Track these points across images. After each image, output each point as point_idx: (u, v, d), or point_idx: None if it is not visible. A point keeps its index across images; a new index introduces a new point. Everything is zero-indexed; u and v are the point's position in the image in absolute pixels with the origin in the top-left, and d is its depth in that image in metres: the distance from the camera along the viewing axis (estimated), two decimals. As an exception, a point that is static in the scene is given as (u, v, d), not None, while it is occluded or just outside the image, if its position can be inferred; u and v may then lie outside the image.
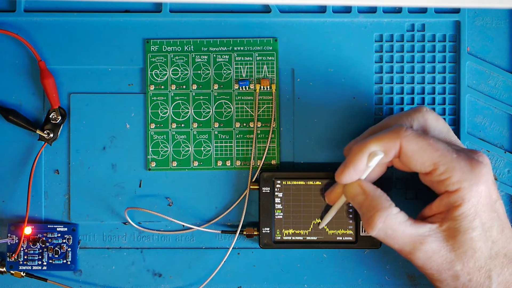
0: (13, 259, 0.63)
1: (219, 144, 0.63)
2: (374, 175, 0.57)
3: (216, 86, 0.63)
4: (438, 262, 0.54)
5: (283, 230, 0.62)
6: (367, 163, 0.54)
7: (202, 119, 0.63)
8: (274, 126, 0.63)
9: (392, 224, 0.54)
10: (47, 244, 0.63)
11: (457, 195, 0.53)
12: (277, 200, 0.62)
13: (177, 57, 0.63)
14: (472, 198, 0.52)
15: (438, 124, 0.56)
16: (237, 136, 0.63)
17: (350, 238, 0.62)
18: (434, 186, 0.54)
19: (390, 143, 0.53)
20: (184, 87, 0.63)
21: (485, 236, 0.53)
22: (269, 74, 0.63)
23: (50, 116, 0.63)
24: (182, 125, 0.63)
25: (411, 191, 0.63)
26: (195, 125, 0.63)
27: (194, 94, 0.63)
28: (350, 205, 0.62)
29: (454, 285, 0.54)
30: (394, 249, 0.55)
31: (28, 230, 0.62)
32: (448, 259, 0.54)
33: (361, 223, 0.62)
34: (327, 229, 0.62)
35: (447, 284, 0.55)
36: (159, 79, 0.63)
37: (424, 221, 0.55)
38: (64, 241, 0.63)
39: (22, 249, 0.63)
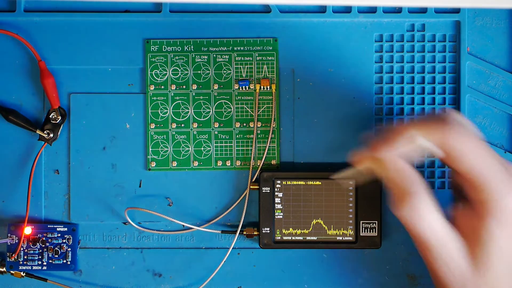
0: (13, 259, 0.63)
1: (219, 144, 0.63)
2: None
3: (216, 86, 0.63)
4: (450, 268, 0.51)
5: (283, 230, 0.62)
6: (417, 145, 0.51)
7: (202, 119, 0.63)
8: (274, 126, 0.63)
9: (422, 211, 0.50)
10: (47, 244, 0.63)
11: (485, 205, 0.50)
12: (277, 200, 0.62)
13: (177, 57, 0.63)
14: (499, 212, 0.50)
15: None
16: (237, 136, 0.63)
17: (350, 238, 0.62)
18: (467, 190, 0.52)
19: (436, 135, 0.51)
20: (184, 87, 0.63)
21: (505, 255, 0.51)
22: (269, 74, 0.63)
23: (50, 116, 0.63)
24: (182, 125, 0.63)
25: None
26: (195, 125, 0.63)
27: (194, 94, 0.63)
28: (351, 205, 0.62)
29: None
30: (412, 237, 0.52)
31: (28, 230, 0.62)
32: (461, 267, 0.51)
33: (361, 223, 0.62)
34: (327, 229, 0.62)
35: None
36: (159, 79, 0.63)
37: (451, 221, 0.52)
38: (64, 241, 0.63)
39: (22, 249, 0.63)
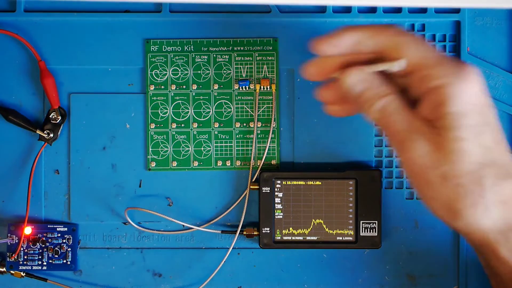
0: (13, 259, 0.63)
1: (219, 144, 0.63)
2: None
3: (216, 86, 0.63)
4: (425, 157, 0.50)
5: (283, 230, 0.62)
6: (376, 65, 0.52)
7: (202, 119, 0.63)
8: (274, 126, 0.63)
9: (391, 108, 0.51)
10: (47, 244, 0.63)
11: (441, 91, 0.49)
12: (277, 200, 0.62)
13: (177, 57, 0.63)
14: (458, 95, 0.49)
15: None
16: (237, 136, 0.63)
17: (350, 238, 0.62)
18: (419, 84, 0.52)
19: (382, 36, 0.51)
20: (184, 87, 0.63)
21: (476, 140, 0.50)
22: (269, 74, 0.63)
23: (50, 116, 0.63)
24: (182, 125, 0.63)
25: (411, 191, 0.63)
26: (195, 125, 0.63)
27: (194, 94, 0.63)
28: (351, 205, 0.62)
29: (441, 190, 0.50)
30: (387, 134, 0.52)
31: (28, 230, 0.62)
32: (435, 157, 0.50)
33: (361, 223, 0.62)
34: (327, 229, 0.62)
35: (434, 189, 0.50)
36: (159, 79, 0.63)
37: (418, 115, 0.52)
38: (64, 241, 0.63)
39: (22, 249, 0.63)
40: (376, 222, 0.62)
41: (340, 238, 0.62)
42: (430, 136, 0.50)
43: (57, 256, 0.63)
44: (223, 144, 0.63)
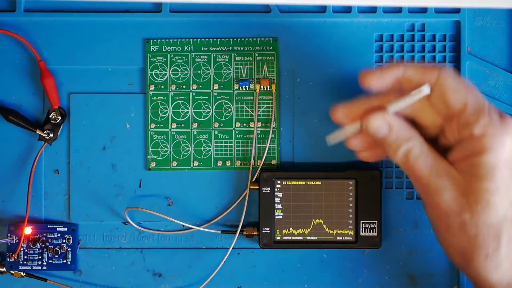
0: (13, 259, 0.63)
1: (219, 144, 0.63)
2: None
3: (216, 86, 0.63)
4: (448, 202, 0.51)
5: (283, 230, 0.62)
6: (401, 100, 0.52)
7: (202, 119, 0.63)
8: (274, 126, 0.63)
9: (415, 153, 0.52)
10: (47, 244, 0.63)
11: (480, 141, 0.50)
12: (277, 200, 0.62)
13: (177, 57, 0.63)
14: (496, 148, 0.50)
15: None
16: (237, 136, 0.63)
17: (350, 238, 0.62)
18: (459, 131, 0.52)
19: (428, 73, 0.52)
20: (184, 87, 0.63)
21: (503, 194, 0.50)
22: (269, 74, 0.63)
23: (50, 116, 0.63)
24: (182, 125, 0.63)
25: (411, 191, 0.63)
26: (195, 125, 0.63)
27: (194, 94, 0.63)
28: (351, 205, 0.62)
29: (459, 237, 0.51)
30: (412, 180, 0.53)
31: (28, 230, 0.62)
32: (459, 203, 0.51)
33: (361, 223, 0.62)
34: (327, 229, 0.62)
35: (452, 234, 0.51)
36: (159, 79, 0.63)
37: (446, 159, 0.53)
38: (64, 241, 0.63)
39: (22, 249, 0.63)
40: (376, 222, 0.62)
41: (340, 238, 0.62)
42: (458, 182, 0.51)
43: (57, 256, 0.63)
44: (223, 144, 0.63)
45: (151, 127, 0.63)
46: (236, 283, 0.64)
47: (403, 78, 0.53)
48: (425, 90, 0.52)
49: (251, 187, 0.62)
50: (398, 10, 0.63)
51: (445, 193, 0.52)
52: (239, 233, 0.63)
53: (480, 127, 0.50)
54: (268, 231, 0.62)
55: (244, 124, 0.63)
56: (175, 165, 0.63)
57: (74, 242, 0.63)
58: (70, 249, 0.63)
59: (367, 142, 0.56)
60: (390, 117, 0.53)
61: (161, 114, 0.63)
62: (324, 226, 0.62)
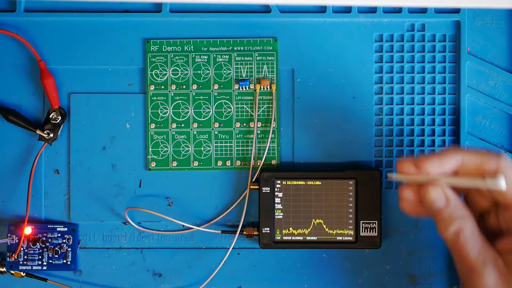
0: (13, 259, 0.63)
1: (219, 144, 0.63)
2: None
3: (216, 86, 0.63)
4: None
5: (283, 230, 0.62)
6: (467, 179, 0.52)
7: (202, 119, 0.63)
8: (274, 126, 0.63)
9: (466, 234, 0.52)
10: (47, 244, 0.63)
11: None
12: (277, 200, 0.62)
13: (177, 57, 0.63)
14: None
15: None
16: (237, 136, 0.63)
17: (350, 238, 0.62)
18: (510, 219, 0.53)
19: (488, 162, 0.52)
20: (184, 87, 0.63)
21: None
22: (269, 74, 0.63)
23: (50, 116, 0.63)
24: (182, 125, 0.63)
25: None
26: (195, 125, 0.63)
27: (194, 94, 0.63)
28: (351, 205, 0.62)
29: None
30: (456, 259, 0.53)
31: (28, 230, 0.62)
32: None
33: (361, 223, 0.62)
34: (327, 229, 0.62)
35: None
36: (159, 79, 0.63)
37: (493, 246, 0.53)
38: (64, 241, 0.63)
39: (22, 249, 0.63)
40: (376, 222, 0.62)
41: (340, 238, 0.62)
42: (503, 274, 0.52)
43: (57, 256, 0.63)
44: (223, 144, 0.63)
45: (151, 127, 0.63)
46: (236, 283, 0.64)
47: (462, 165, 0.53)
48: (502, 184, 0.50)
49: (251, 187, 0.62)
50: (398, 10, 0.63)
51: (488, 281, 0.52)
52: (239, 233, 0.63)
53: None
54: (268, 231, 0.62)
55: (244, 124, 0.63)
56: (175, 165, 0.63)
57: (74, 242, 0.63)
58: (70, 249, 0.63)
59: (417, 198, 0.56)
60: (449, 191, 0.53)
61: (161, 114, 0.63)
62: (324, 226, 0.62)
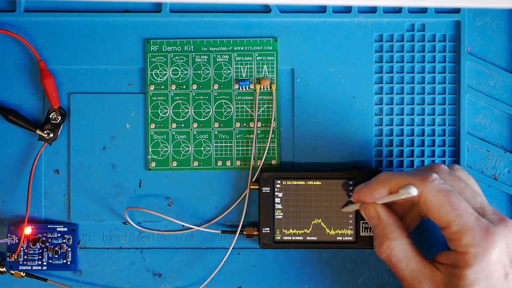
0: (13, 259, 0.63)
1: (219, 144, 0.63)
2: (408, 222, 0.58)
3: (216, 86, 0.63)
4: None
5: (283, 230, 0.62)
6: (391, 195, 0.56)
7: (202, 119, 0.63)
8: (274, 126, 0.63)
9: (398, 254, 0.55)
10: (47, 244, 0.63)
11: (463, 257, 0.53)
12: (277, 200, 0.62)
13: (177, 57, 0.63)
14: (476, 265, 0.52)
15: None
16: (237, 136, 0.63)
17: (350, 238, 0.62)
18: (446, 240, 0.55)
19: (414, 185, 0.54)
20: (184, 87, 0.63)
21: None
22: (269, 74, 0.63)
23: (50, 116, 0.63)
24: (182, 125, 0.63)
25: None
26: (195, 125, 0.63)
27: (194, 94, 0.63)
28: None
29: None
30: (396, 276, 0.56)
31: (28, 230, 0.62)
32: None
33: (361, 223, 0.62)
34: (327, 229, 0.62)
35: None
36: (159, 79, 0.63)
37: (431, 263, 0.56)
38: (64, 241, 0.63)
39: (22, 249, 0.63)
40: (376, 222, 0.62)
41: (340, 238, 0.62)
42: (439, 283, 0.54)
43: (57, 256, 0.63)
44: (223, 144, 0.63)
45: (151, 127, 0.63)
46: (236, 283, 0.64)
47: (391, 190, 0.56)
48: (413, 192, 0.53)
49: (251, 187, 0.62)
50: (398, 10, 0.63)
51: None
52: (239, 233, 0.63)
53: (463, 246, 0.53)
54: (268, 231, 0.62)
55: (244, 124, 0.63)
56: (175, 165, 0.63)
57: (74, 242, 0.63)
58: (70, 249, 0.63)
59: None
60: (382, 211, 0.57)
61: (161, 114, 0.63)
62: (324, 226, 0.62)
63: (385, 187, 0.56)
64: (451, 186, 0.54)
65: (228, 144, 0.63)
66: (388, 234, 0.56)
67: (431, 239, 0.63)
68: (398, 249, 0.55)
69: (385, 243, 0.56)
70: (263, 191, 0.62)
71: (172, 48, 0.63)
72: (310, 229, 0.62)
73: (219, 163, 0.63)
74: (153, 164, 0.63)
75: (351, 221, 0.62)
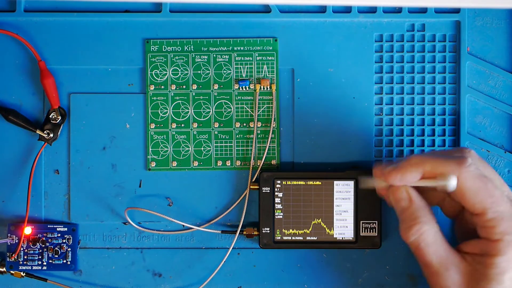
0: (13, 259, 0.63)
1: (219, 144, 0.63)
2: (429, 199, 0.57)
3: (216, 86, 0.63)
4: None
5: (283, 230, 0.62)
6: (426, 180, 0.54)
7: (202, 119, 0.63)
8: (274, 126, 0.63)
9: (427, 239, 0.54)
10: (47, 244, 0.63)
11: (496, 245, 0.52)
12: (277, 200, 0.62)
13: (177, 57, 0.63)
14: (508, 253, 0.52)
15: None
16: (237, 136, 0.63)
17: (350, 238, 0.62)
18: (477, 227, 0.54)
19: (449, 171, 0.52)
20: (184, 87, 0.63)
21: None
22: (269, 74, 0.63)
23: (50, 116, 0.63)
24: (182, 125, 0.63)
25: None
26: (195, 125, 0.63)
27: (194, 94, 0.63)
28: (351, 205, 0.62)
29: None
30: (420, 263, 0.55)
31: (28, 230, 0.62)
32: None
33: (361, 223, 0.62)
34: (327, 229, 0.62)
35: None
36: (159, 79, 0.63)
37: (457, 250, 0.55)
38: (64, 241, 0.63)
39: (22, 249, 0.63)
40: (376, 222, 0.62)
41: (340, 238, 0.62)
42: (467, 278, 0.53)
43: (57, 256, 0.63)
44: (223, 144, 0.63)
45: (151, 127, 0.63)
46: (236, 283, 0.64)
47: (424, 174, 0.54)
48: (452, 183, 0.52)
49: (251, 187, 0.62)
50: (398, 10, 0.63)
51: (452, 281, 0.53)
52: (239, 233, 0.63)
53: (497, 234, 0.52)
54: (268, 231, 0.62)
55: (244, 124, 0.63)
56: (175, 165, 0.63)
57: (74, 242, 0.63)
58: (70, 249, 0.63)
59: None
60: (414, 193, 0.55)
61: (161, 114, 0.63)
62: (324, 226, 0.62)
63: (418, 170, 0.53)
64: (484, 171, 0.53)
65: (228, 144, 0.63)
66: (419, 217, 0.54)
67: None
68: (428, 233, 0.53)
69: (415, 226, 0.53)
70: (263, 191, 0.62)
71: (172, 48, 0.63)
72: (310, 229, 0.62)
73: (219, 163, 0.63)
74: (153, 164, 0.63)
75: (351, 221, 0.62)
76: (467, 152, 0.54)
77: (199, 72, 0.63)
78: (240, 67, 0.63)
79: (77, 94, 0.63)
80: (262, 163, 0.63)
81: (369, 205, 0.62)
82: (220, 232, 0.63)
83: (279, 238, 0.62)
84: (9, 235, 0.63)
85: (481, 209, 0.52)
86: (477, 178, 0.52)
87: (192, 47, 0.63)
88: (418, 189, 0.55)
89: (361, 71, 0.63)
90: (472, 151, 0.55)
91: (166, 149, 0.63)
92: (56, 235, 0.63)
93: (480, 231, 0.53)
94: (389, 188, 0.55)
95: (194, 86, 0.63)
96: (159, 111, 0.63)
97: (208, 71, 0.63)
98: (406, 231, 0.54)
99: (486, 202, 0.52)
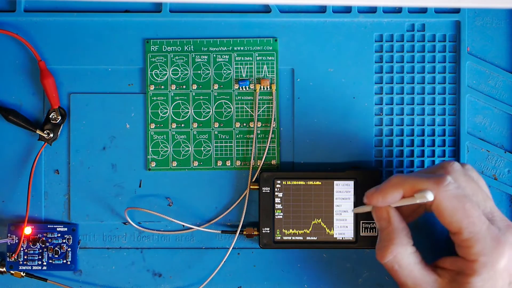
0: (13, 259, 0.63)
1: (219, 144, 0.63)
2: (408, 214, 0.58)
3: (216, 86, 0.63)
4: None
5: (283, 230, 0.62)
6: (406, 199, 0.55)
7: (202, 119, 0.63)
8: (274, 126, 0.63)
9: (401, 261, 0.55)
10: (47, 244, 0.63)
11: (471, 265, 0.53)
12: (277, 200, 0.62)
13: (177, 57, 0.63)
14: (484, 274, 0.52)
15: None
16: (237, 136, 0.63)
17: (350, 238, 0.62)
18: (455, 245, 0.54)
19: (428, 188, 0.53)
20: (184, 87, 0.63)
21: None
22: (269, 74, 0.63)
23: (50, 116, 0.63)
24: (182, 125, 0.63)
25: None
26: (195, 125, 0.63)
27: (194, 94, 0.63)
28: (351, 205, 0.62)
29: None
30: (397, 283, 0.56)
31: (28, 230, 0.62)
32: None
33: (361, 223, 0.62)
34: (327, 229, 0.62)
35: None
36: (159, 79, 0.63)
37: (433, 269, 0.55)
38: (64, 241, 0.63)
39: (22, 249, 0.63)
40: (376, 222, 0.62)
41: (340, 238, 0.62)
42: None
43: (57, 256, 0.63)
44: (223, 144, 0.63)
45: (151, 127, 0.63)
46: (236, 283, 0.64)
47: (405, 194, 0.55)
48: (429, 197, 0.53)
49: (251, 187, 0.62)
50: (398, 10, 0.63)
51: None
52: (239, 233, 0.63)
53: (473, 255, 0.53)
54: (268, 231, 0.62)
55: (244, 124, 0.63)
56: (175, 165, 0.63)
57: (74, 242, 0.63)
58: (70, 249, 0.63)
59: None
60: (393, 214, 0.56)
61: (161, 114, 0.63)
62: (324, 226, 0.62)
63: (398, 190, 0.55)
64: (465, 188, 0.54)
65: (228, 144, 0.63)
66: (394, 239, 0.55)
67: (433, 243, 0.63)
68: (402, 256, 0.55)
69: (390, 247, 0.55)
70: (263, 191, 0.62)
71: (172, 48, 0.63)
72: (310, 229, 0.62)
73: (219, 163, 0.63)
74: (153, 164, 0.63)
75: (351, 221, 0.62)
76: (449, 167, 0.55)
77: (199, 72, 0.63)
78: (240, 67, 0.63)
79: (77, 94, 0.63)
80: (262, 163, 0.63)
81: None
82: (220, 232, 0.63)
83: (279, 238, 0.62)
84: (9, 235, 0.63)
85: (457, 228, 0.53)
86: (455, 198, 0.53)
87: (192, 47, 0.63)
88: (401, 208, 0.57)
89: (361, 71, 0.63)
90: (455, 165, 0.55)
91: (166, 149, 0.63)
92: (56, 235, 0.63)
93: (457, 249, 0.54)
94: (372, 208, 0.57)
95: (194, 86, 0.63)
96: (159, 111, 0.63)
97: (208, 71, 0.63)
98: (381, 251, 0.55)
99: (463, 222, 0.52)
